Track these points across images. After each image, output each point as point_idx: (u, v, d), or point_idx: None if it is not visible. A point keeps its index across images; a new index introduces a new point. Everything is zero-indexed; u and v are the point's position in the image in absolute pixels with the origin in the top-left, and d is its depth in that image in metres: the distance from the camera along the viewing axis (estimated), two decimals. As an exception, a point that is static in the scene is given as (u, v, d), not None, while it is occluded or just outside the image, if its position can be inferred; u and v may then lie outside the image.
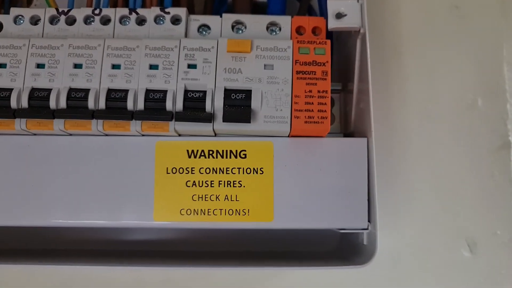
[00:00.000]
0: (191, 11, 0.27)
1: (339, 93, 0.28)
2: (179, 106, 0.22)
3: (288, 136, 0.24)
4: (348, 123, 0.27)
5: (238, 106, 0.22)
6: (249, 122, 0.22)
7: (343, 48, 0.28)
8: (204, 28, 0.25)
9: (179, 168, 0.23)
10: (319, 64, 0.23)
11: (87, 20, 0.24)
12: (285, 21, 0.24)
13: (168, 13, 0.24)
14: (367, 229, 0.23)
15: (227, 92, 0.22)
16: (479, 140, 0.31)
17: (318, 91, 0.23)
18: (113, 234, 0.28)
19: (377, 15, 0.32)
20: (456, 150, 0.31)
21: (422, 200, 0.30)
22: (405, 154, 0.31)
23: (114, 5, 0.26)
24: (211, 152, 0.23)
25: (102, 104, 0.22)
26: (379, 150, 0.30)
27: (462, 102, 0.31)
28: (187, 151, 0.23)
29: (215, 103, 0.22)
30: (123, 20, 0.24)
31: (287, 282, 0.29)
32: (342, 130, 0.28)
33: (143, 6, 0.26)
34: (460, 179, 0.31)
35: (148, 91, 0.23)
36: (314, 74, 0.23)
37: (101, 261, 0.26)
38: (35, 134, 0.24)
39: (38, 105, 0.22)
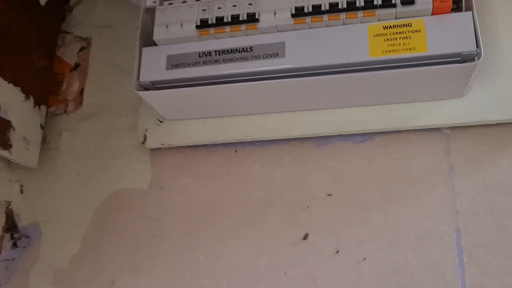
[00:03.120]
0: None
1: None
2: (379, 1, 0.50)
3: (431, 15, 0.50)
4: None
5: (407, -1, 0.50)
6: (413, 3, 0.49)
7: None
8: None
9: (378, 35, 0.50)
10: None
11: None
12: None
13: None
14: (476, 51, 0.48)
15: (401, -6, 0.50)
16: None
17: (445, -11, 0.49)
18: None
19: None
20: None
21: None
22: None
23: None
24: (394, 25, 0.50)
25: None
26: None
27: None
28: (382, 27, 0.51)
29: (396, -1, 0.50)
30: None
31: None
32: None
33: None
34: None
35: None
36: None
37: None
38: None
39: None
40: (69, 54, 0.75)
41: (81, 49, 0.75)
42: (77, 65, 0.74)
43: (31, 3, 0.67)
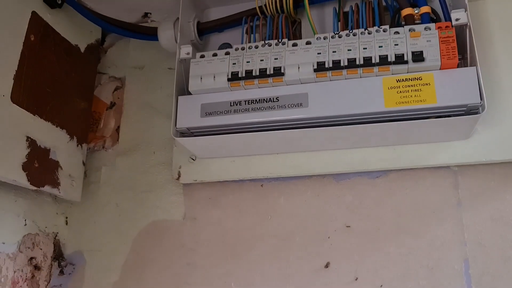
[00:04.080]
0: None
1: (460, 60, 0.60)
2: (393, 58, 0.56)
3: (440, 69, 0.56)
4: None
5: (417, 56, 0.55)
6: (423, 61, 0.55)
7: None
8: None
9: (392, 87, 0.56)
10: (450, 37, 0.55)
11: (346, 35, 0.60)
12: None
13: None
14: (480, 103, 0.54)
15: (413, 52, 0.56)
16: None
17: (452, 47, 0.55)
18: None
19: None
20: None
21: None
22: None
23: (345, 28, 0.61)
24: (406, 79, 0.56)
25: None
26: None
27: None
28: (396, 80, 0.56)
29: (409, 56, 0.56)
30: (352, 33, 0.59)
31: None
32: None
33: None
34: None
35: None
36: (450, 40, 0.55)
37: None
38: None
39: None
40: (105, 93, 0.82)
41: (116, 89, 0.81)
42: (112, 104, 0.81)
43: (73, 51, 0.74)
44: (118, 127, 0.79)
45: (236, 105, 0.61)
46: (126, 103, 0.80)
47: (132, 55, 0.82)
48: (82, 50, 0.76)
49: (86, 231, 0.74)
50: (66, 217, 0.75)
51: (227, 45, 0.71)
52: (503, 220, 0.60)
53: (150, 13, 0.81)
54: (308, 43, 0.60)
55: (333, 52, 0.58)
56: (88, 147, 0.78)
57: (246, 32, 0.67)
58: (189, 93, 0.63)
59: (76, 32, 0.74)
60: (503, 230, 0.60)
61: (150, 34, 0.75)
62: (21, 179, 0.61)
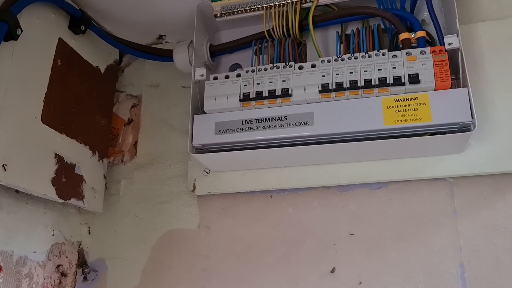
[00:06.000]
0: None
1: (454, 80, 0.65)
2: (391, 80, 0.61)
3: (434, 90, 0.61)
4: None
5: (413, 78, 0.60)
6: (419, 83, 0.60)
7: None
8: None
9: (390, 107, 0.61)
10: (443, 61, 0.60)
11: (348, 58, 0.65)
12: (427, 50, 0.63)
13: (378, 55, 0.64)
14: (471, 121, 0.59)
15: (409, 74, 0.61)
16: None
17: (445, 70, 0.60)
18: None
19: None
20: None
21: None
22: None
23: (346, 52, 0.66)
24: (404, 99, 0.61)
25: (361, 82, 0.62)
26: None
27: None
28: (394, 100, 0.62)
29: (406, 78, 0.61)
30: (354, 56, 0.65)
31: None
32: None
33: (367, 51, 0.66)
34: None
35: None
36: (444, 63, 0.60)
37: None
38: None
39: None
40: (123, 110, 0.87)
41: (133, 106, 0.87)
42: (130, 120, 0.86)
43: (94, 72, 0.79)
44: (136, 142, 0.84)
45: (248, 123, 0.66)
46: (143, 120, 0.85)
47: (147, 74, 0.88)
48: (102, 71, 0.82)
49: (107, 240, 0.79)
50: (89, 227, 0.80)
51: (237, 66, 0.76)
52: (495, 227, 0.65)
53: (165, 35, 0.86)
54: (313, 66, 0.65)
55: (336, 74, 0.63)
56: (108, 161, 0.83)
57: (255, 54, 0.72)
58: (204, 112, 0.69)
59: (96, 55, 0.80)
60: (495, 237, 0.65)
61: (164, 55, 0.81)
62: (51, 193, 0.66)
